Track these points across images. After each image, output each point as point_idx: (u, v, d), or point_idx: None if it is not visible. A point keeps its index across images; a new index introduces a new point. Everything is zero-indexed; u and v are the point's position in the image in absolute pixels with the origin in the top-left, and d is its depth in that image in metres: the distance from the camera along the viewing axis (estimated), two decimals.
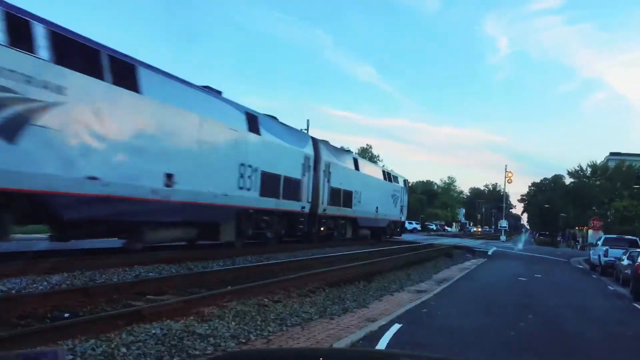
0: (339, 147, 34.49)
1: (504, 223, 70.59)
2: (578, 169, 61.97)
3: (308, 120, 53.18)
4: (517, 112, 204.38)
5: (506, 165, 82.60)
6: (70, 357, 5.21)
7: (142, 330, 6.45)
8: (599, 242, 25.32)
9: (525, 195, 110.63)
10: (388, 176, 35.02)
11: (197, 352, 5.92)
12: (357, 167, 28.29)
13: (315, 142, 23.49)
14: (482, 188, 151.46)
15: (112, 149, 11.77)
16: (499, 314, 10.57)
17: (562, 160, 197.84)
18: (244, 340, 6.67)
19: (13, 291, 8.37)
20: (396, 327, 8.20)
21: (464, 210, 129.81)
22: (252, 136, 17.48)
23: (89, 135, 11.11)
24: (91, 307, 7.75)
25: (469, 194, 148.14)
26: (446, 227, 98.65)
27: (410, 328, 8.27)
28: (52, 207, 10.66)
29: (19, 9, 9.97)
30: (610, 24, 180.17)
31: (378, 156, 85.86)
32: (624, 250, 20.40)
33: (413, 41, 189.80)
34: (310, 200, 22.02)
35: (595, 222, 43.31)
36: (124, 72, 12.17)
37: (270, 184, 18.49)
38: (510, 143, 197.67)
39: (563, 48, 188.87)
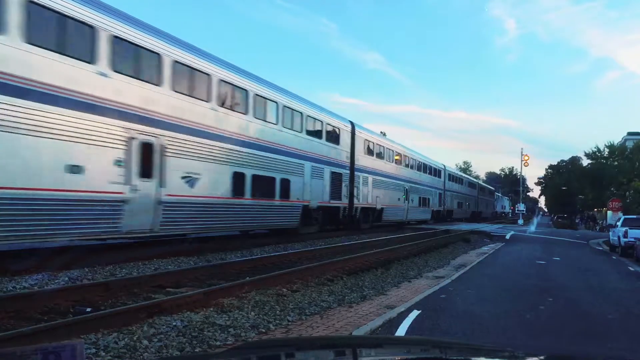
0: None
1: (521, 206, 69.88)
2: (595, 149, 61.01)
3: None
4: (530, 94, 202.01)
5: (522, 149, 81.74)
6: (94, 350, 5.31)
7: (163, 323, 6.54)
8: (618, 223, 25.01)
9: (542, 177, 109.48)
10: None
11: (218, 343, 5.98)
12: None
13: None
14: (499, 172, 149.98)
15: None
16: (518, 298, 10.51)
17: (579, 142, 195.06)
18: (263, 330, 6.72)
19: (35, 287, 8.53)
20: (415, 313, 8.20)
21: None
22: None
23: None
24: (112, 301, 7.87)
25: (485, 178, 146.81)
26: None
27: (429, 314, 8.27)
28: None
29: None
30: (618, 1, 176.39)
31: None
32: None
33: (419, 26, 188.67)
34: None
35: (614, 202, 42.74)
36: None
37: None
38: (525, 126, 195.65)
39: (572, 28, 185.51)
